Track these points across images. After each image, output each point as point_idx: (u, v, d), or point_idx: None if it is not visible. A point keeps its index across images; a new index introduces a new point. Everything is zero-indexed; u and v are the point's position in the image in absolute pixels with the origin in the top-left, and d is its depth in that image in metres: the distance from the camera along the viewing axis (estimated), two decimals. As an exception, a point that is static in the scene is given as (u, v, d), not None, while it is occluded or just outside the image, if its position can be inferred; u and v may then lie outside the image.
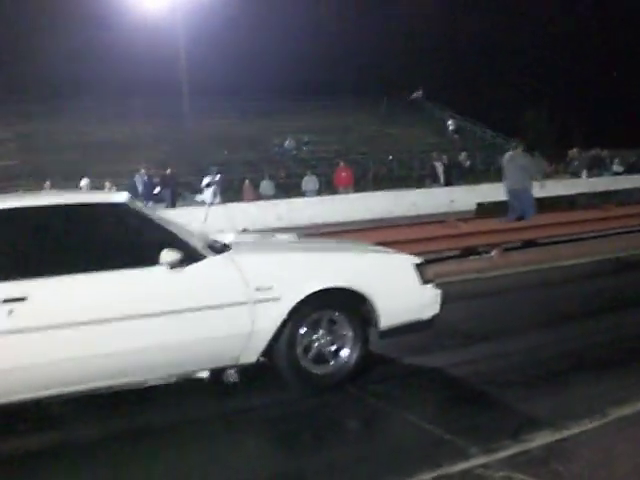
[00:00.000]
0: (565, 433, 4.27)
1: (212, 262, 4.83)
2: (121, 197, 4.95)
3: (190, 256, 4.72)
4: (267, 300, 4.88)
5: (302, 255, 5.43)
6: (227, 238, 5.53)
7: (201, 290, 4.76)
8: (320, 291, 5.06)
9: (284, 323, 4.95)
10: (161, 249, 4.61)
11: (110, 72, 39.09)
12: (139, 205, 4.97)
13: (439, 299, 5.64)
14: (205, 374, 5.09)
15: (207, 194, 20.93)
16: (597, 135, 36.69)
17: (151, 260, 4.62)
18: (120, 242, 4.82)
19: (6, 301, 4.28)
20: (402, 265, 5.57)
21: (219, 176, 22.51)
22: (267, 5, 44.03)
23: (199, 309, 4.69)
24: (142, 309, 4.56)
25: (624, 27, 49.34)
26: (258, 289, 4.85)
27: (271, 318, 4.90)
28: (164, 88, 36.95)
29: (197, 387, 5.28)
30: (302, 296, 4.98)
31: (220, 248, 5.07)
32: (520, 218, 12.72)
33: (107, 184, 18.95)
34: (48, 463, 4.26)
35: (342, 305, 5.24)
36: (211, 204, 19.77)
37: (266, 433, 4.77)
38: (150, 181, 20.60)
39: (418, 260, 5.65)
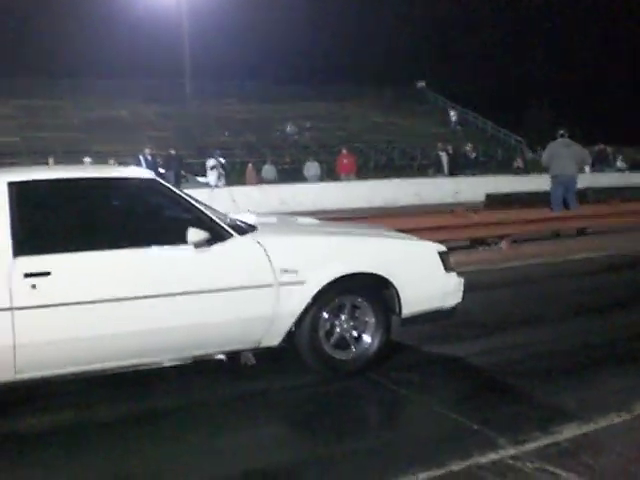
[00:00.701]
0: (593, 426, 4.21)
1: (238, 243, 4.75)
2: (147, 173, 4.87)
3: (216, 236, 4.65)
4: (292, 283, 4.81)
5: (328, 239, 5.35)
6: (249, 219, 5.45)
7: (226, 271, 4.69)
8: (344, 276, 4.99)
9: (308, 307, 4.89)
10: (188, 227, 4.54)
11: (113, 52, 38.89)
12: (166, 182, 4.87)
13: (462, 287, 5.58)
14: (222, 356, 5.05)
15: (211, 177, 20.80)
16: (600, 131, 36.65)
17: (177, 238, 4.55)
18: (147, 219, 4.76)
19: (29, 275, 4.20)
20: (426, 252, 5.51)
21: (224, 161, 22.35)
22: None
23: (224, 290, 4.63)
24: (166, 288, 4.48)
25: (629, 22, 49.20)
26: (284, 271, 4.78)
27: (295, 301, 4.84)
28: (167, 70, 36.79)
29: (213, 369, 5.24)
30: (327, 280, 4.91)
31: (246, 229, 4.99)
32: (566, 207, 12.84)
33: (111, 162, 18.81)
34: (62, 442, 4.19)
35: (365, 291, 5.17)
36: (216, 186, 19.75)
37: (286, 417, 4.71)
38: (154, 161, 20.49)
39: (442, 248, 5.59)
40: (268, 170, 26.18)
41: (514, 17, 49.66)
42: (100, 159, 23.07)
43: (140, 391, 4.94)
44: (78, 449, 4.10)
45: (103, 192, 4.71)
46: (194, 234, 4.53)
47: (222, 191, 18.58)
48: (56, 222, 4.54)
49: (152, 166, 19.03)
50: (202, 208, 4.77)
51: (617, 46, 50.09)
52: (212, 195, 15.15)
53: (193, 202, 4.76)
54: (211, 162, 21.66)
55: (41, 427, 4.43)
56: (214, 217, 4.77)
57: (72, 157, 23.57)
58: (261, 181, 24.89)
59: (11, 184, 4.38)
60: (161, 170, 19.55)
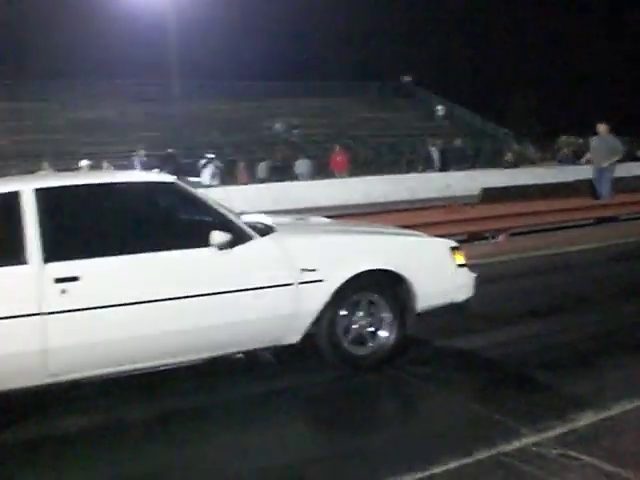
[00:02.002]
0: (608, 413, 4.37)
1: (259, 243, 4.88)
2: (168, 177, 4.98)
3: (238, 237, 4.77)
4: (311, 282, 4.94)
5: (343, 237, 5.49)
6: (266, 220, 5.56)
7: (249, 271, 4.82)
8: (361, 273, 5.13)
9: (326, 304, 5.02)
10: (210, 230, 4.65)
11: (100, 52, 38.78)
12: (187, 185, 4.98)
13: (473, 282, 5.73)
14: (241, 354, 5.18)
15: (205, 175, 20.83)
16: (585, 124, 36.86)
17: (200, 240, 4.66)
18: (170, 222, 4.87)
19: (59, 280, 4.31)
20: (439, 248, 5.67)
21: (217, 161, 22.35)
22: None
23: (247, 290, 4.75)
24: (192, 290, 4.61)
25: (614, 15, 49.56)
26: (303, 270, 4.92)
27: (315, 299, 4.97)
28: (154, 69, 36.73)
29: (233, 368, 5.36)
30: (345, 278, 5.05)
31: (265, 230, 5.11)
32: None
33: (105, 164, 18.84)
34: (96, 442, 4.31)
35: (381, 287, 5.31)
36: (209, 185, 19.79)
37: (310, 414, 4.85)
38: (148, 162, 20.51)
39: (454, 243, 5.74)
40: (262, 168, 26.25)
41: (498, 9, 49.87)
42: (91, 161, 23.03)
43: (164, 392, 5.05)
44: (111, 449, 4.22)
45: (127, 197, 4.82)
46: (217, 236, 4.65)
47: (217, 190, 18.61)
48: (83, 227, 4.65)
49: (146, 167, 19.10)
50: (223, 210, 4.89)
51: (602, 35, 50.44)
52: (207, 192, 15.19)
53: (214, 204, 4.88)
54: (203, 161, 21.71)
55: (76, 428, 4.54)
56: (235, 219, 4.89)
57: (64, 159, 23.58)
58: (252, 179, 24.97)
59: (38, 190, 4.48)
60: (156, 171, 19.56)
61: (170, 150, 21.60)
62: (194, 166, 23.15)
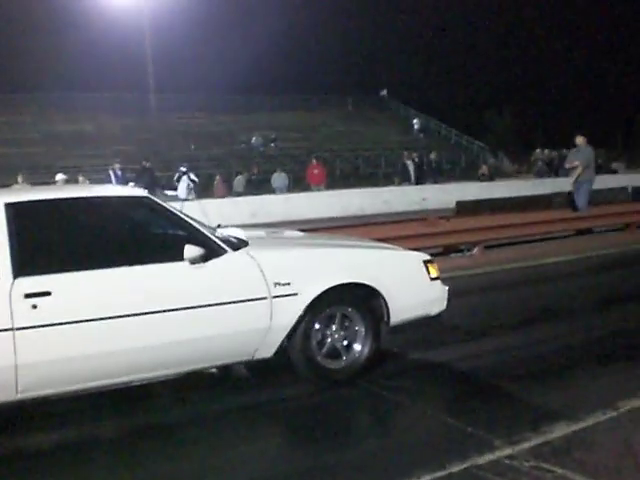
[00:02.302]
0: (581, 424, 4.39)
1: (232, 257, 4.86)
2: (140, 191, 4.97)
3: (211, 251, 4.76)
4: (285, 295, 4.93)
5: (317, 251, 5.49)
6: (240, 234, 5.55)
7: (222, 285, 4.80)
8: (335, 287, 5.13)
9: (300, 318, 5.01)
10: (183, 244, 4.63)
11: (76, 65, 38.64)
12: (161, 199, 4.96)
13: (446, 295, 5.76)
14: (214, 369, 5.15)
15: (180, 190, 20.74)
16: (560, 136, 37.29)
17: (173, 255, 4.64)
18: (143, 236, 4.85)
19: (30, 295, 4.26)
20: (413, 261, 5.68)
21: (191, 173, 22.18)
22: (235, 3, 43.95)
23: (221, 304, 4.73)
24: (165, 304, 4.57)
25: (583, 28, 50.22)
26: (277, 284, 4.91)
27: (289, 313, 4.96)
28: (131, 83, 36.70)
29: (207, 383, 5.33)
30: (319, 292, 5.04)
31: (238, 244, 5.10)
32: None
33: (80, 178, 18.71)
34: (66, 459, 4.26)
35: (355, 301, 5.32)
36: (186, 199, 19.67)
37: (284, 428, 4.82)
38: (124, 176, 20.43)
39: (427, 257, 5.76)
40: (239, 182, 26.26)
41: (474, 26, 50.40)
42: (67, 175, 22.89)
43: (136, 407, 5.01)
44: (81, 466, 4.16)
45: (99, 211, 4.78)
46: (190, 250, 4.63)
47: (193, 204, 18.54)
48: (54, 242, 4.60)
49: (121, 181, 19.03)
50: (196, 224, 4.88)
51: (575, 51, 51.14)
52: (182, 208, 15.12)
53: (187, 219, 4.87)
54: (177, 175, 21.62)
55: (47, 445, 4.48)
56: (208, 233, 4.88)
57: (40, 173, 23.43)
58: (229, 193, 24.97)
59: (8, 205, 4.43)
60: (131, 184, 19.48)
61: (146, 163, 21.49)
62: (171, 180, 23.10)
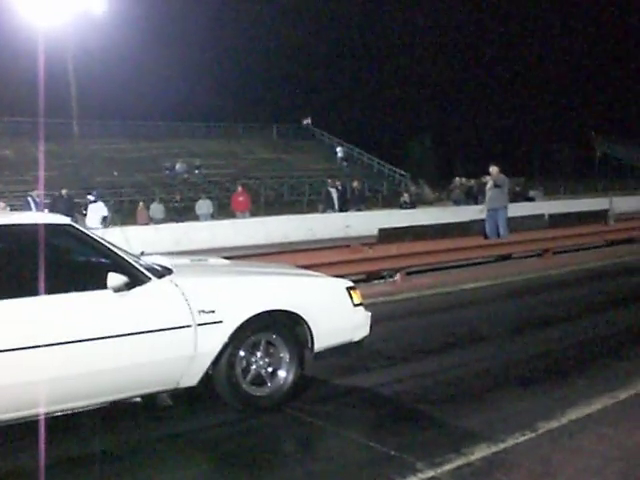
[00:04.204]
0: (501, 446, 4.53)
1: (156, 285, 4.84)
2: (63, 219, 4.90)
3: (135, 279, 4.72)
4: (210, 323, 4.93)
5: (241, 278, 5.51)
6: (164, 262, 5.53)
7: (146, 313, 4.76)
8: (259, 314, 5.16)
9: (225, 345, 5.01)
10: (106, 272, 4.58)
11: (-1, 91, 37.80)
12: (83, 227, 4.91)
13: (369, 321, 5.85)
14: (138, 398, 5.09)
15: (91, 219, 20.16)
16: (479, 165, 38.24)
17: (96, 283, 4.59)
18: (65, 265, 4.78)
19: (-55, 325, 4.15)
20: (335, 288, 5.76)
21: (99, 202, 21.49)
22: (159, 30, 43.85)
23: (144, 332, 4.68)
24: (87, 333, 4.50)
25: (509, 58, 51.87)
26: (201, 312, 4.90)
27: (213, 341, 4.96)
28: (53, 108, 36.03)
29: (129, 412, 5.25)
30: (243, 319, 5.06)
31: (162, 271, 5.08)
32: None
33: (1, 204, 18.18)
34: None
35: (279, 327, 5.35)
36: (104, 226, 19.33)
37: (208, 456, 4.77)
38: (42, 203, 19.97)
39: (350, 283, 5.85)
40: (156, 209, 26.03)
41: (396, 56, 51.53)
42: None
43: (58, 438, 4.88)
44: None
45: (19, 239, 4.68)
46: (113, 279, 4.59)
47: (114, 231, 18.27)
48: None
49: (41, 208, 18.59)
50: (120, 252, 4.84)
51: (494, 83, 52.76)
52: (103, 235, 14.85)
53: (111, 247, 4.83)
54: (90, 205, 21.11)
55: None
56: (132, 261, 4.85)
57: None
58: (152, 220, 24.72)
59: None
60: (45, 212, 19.02)
61: (64, 191, 21.05)
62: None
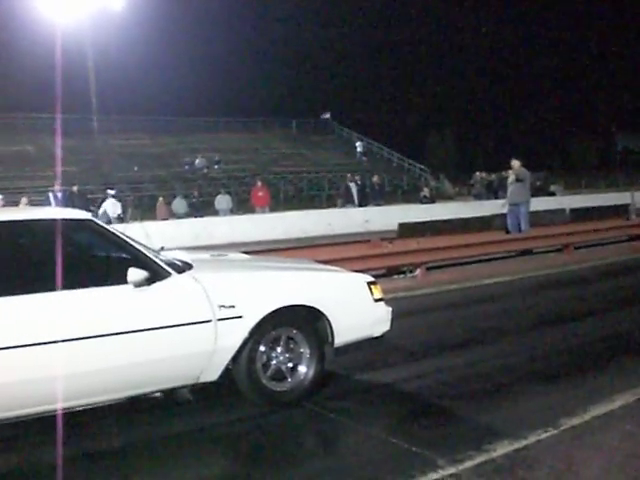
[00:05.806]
0: (523, 442, 4.47)
1: (177, 281, 4.84)
2: (84, 214, 4.91)
3: (156, 275, 4.72)
4: (230, 318, 4.92)
5: (262, 273, 5.51)
6: (184, 257, 5.53)
7: (166, 308, 4.76)
8: (279, 309, 5.15)
9: (245, 340, 5.01)
10: (127, 267, 4.59)
11: (18, 86, 38.04)
12: (103, 222, 4.92)
13: (390, 316, 5.82)
14: (158, 393, 5.09)
15: (106, 212, 20.31)
16: (499, 159, 38.02)
17: (117, 278, 4.60)
18: (86, 260, 4.78)
19: (-33, 320, 4.17)
20: (356, 283, 5.73)
21: (113, 199, 21.66)
22: (179, 25, 43.95)
23: (165, 327, 4.69)
24: (108, 328, 4.51)
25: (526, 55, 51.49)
26: (221, 307, 4.89)
27: (234, 336, 4.95)
28: (74, 104, 36.25)
29: (150, 407, 5.26)
30: (264, 314, 5.05)
31: (183, 267, 5.08)
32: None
33: (23, 200, 18.31)
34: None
35: (300, 323, 5.33)
36: (119, 219, 19.40)
37: (229, 451, 4.77)
38: (64, 198, 20.08)
39: (370, 278, 5.82)
40: (178, 204, 26.09)
41: (415, 50, 51.31)
42: (8, 196, 22.46)
43: (80, 433, 4.90)
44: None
45: (41, 234, 4.71)
46: (134, 274, 4.59)
47: (134, 226, 18.36)
48: (-5, 266, 4.51)
49: (62, 203, 18.69)
50: (140, 247, 4.84)
51: (516, 79, 52.46)
52: (124, 230, 14.93)
53: (131, 242, 4.83)
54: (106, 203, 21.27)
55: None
56: (152, 256, 4.85)
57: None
58: (172, 215, 24.80)
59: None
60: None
61: (74, 188, 21.19)
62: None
